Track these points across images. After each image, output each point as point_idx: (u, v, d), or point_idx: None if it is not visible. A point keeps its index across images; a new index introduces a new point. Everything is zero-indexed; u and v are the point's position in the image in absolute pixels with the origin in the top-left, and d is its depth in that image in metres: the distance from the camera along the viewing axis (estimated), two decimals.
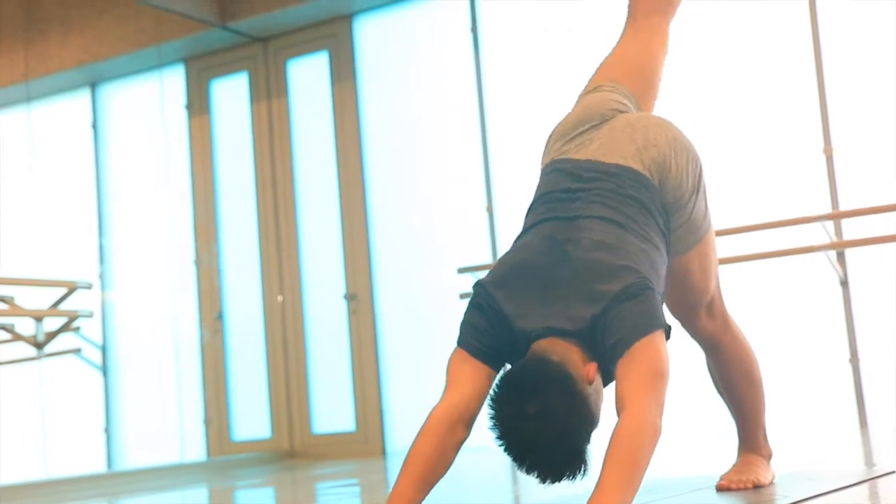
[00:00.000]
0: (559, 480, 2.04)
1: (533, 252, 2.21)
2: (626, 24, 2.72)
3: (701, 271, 2.52)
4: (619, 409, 2.01)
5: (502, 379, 2.07)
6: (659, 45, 2.68)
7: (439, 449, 2.11)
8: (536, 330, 2.10)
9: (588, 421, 2.04)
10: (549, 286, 2.13)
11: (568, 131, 2.48)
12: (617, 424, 1.98)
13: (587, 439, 2.04)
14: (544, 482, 2.05)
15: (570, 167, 2.37)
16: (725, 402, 2.73)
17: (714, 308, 2.61)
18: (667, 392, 2.05)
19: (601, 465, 1.94)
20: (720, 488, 2.59)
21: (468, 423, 2.15)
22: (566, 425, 1.99)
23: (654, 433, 1.96)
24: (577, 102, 2.60)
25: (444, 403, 2.15)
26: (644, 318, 2.06)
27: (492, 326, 2.15)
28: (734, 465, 2.68)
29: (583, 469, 2.02)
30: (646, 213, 2.29)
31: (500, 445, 2.04)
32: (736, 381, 2.65)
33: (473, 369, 2.15)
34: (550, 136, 2.52)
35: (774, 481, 2.64)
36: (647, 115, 2.52)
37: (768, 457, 2.72)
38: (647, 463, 1.94)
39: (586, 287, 2.11)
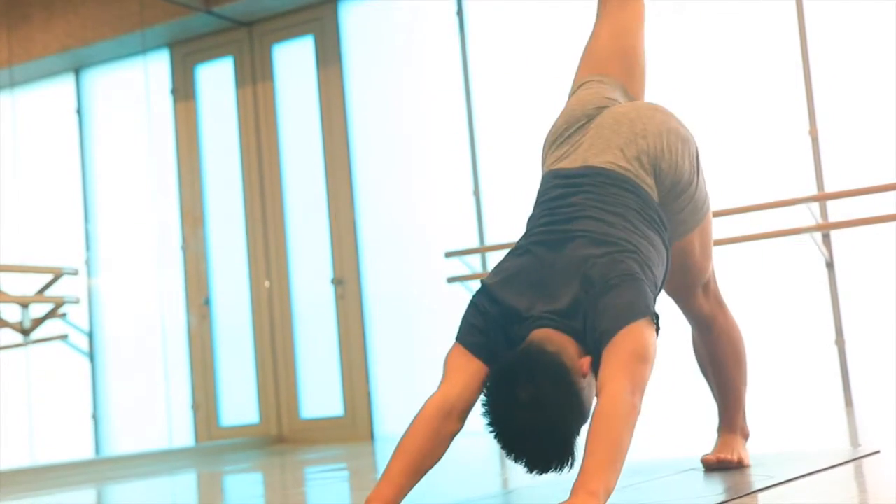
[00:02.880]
0: (546, 471, 2.06)
1: (530, 256, 2.24)
2: (598, 6, 2.74)
3: (702, 251, 2.57)
4: (598, 391, 2.02)
5: (498, 365, 2.09)
6: (632, 20, 2.71)
7: (432, 439, 2.13)
8: (534, 316, 2.13)
9: (579, 413, 2.06)
10: (546, 279, 2.17)
11: (558, 136, 2.50)
12: (596, 407, 2.00)
13: (576, 432, 2.05)
14: (531, 472, 2.06)
15: (563, 174, 2.39)
16: (710, 381, 2.76)
17: (709, 288, 2.66)
18: (649, 375, 2.06)
19: (583, 448, 1.95)
20: (706, 461, 2.63)
21: (462, 415, 2.16)
22: (558, 416, 2.01)
23: (632, 413, 1.97)
24: (566, 103, 2.61)
25: (439, 394, 2.17)
26: (629, 307, 2.07)
27: (489, 326, 2.19)
28: (716, 446, 2.71)
29: (570, 461, 2.04)
30: (637, 210, 2.30)
31: (491, 432, 2.05)
32: (724, 360, 2.69)
33: (469, 364, 2.17)
34: (544, 143, 2.54)
35: (761, 462, 2.66)
36: (635, 104, 2.52)
37: (746, 437, 2.76)
38: (629, 443, 1.95)
39: (576, 277, 2.14)
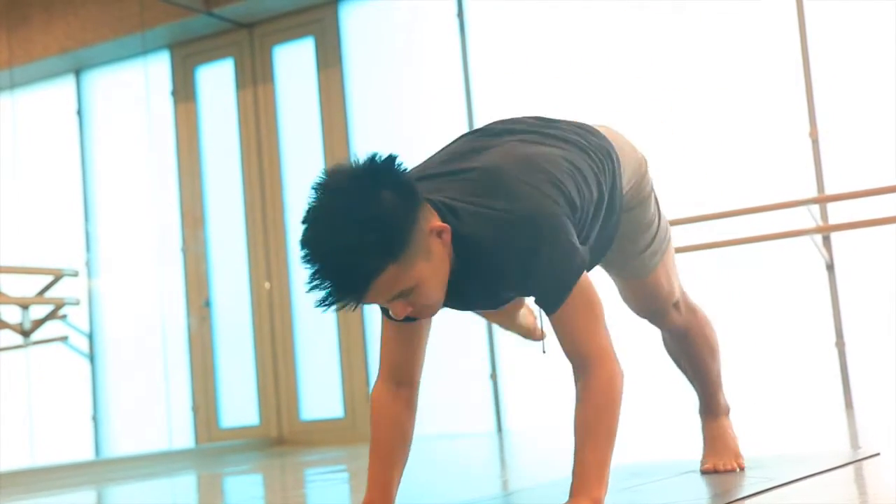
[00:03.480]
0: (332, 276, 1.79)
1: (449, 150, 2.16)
2: None
3: (667, 279, 2.55)
4: (586, 363, 1.93)
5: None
6: None
7: (394, 426, 2.09)
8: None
9: (385, 234, 1.79)
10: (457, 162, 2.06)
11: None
12: (586, 393, 1.91)
13: (363, 246, 1.77)
14: (317, 279, 1.79)
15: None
16: (687, 374, 2.77)
17: (680, 304, 2.63)
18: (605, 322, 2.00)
19: (578, 438, 1.92)
20: (706, 470, 2.62)
21: (409, 381, 2.10)
22: (345, 212, 1.78)
23: (621, 396, 1.93)
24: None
25: (379, 381, 2.11)
26: (563, 274, 1.93)
27: None
28: (706, 447, 2.70)
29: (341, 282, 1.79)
30: (590, 156, 2.16)
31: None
32: (702, 356, 2.69)
33: (398, 332, 2.08)
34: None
35: (761, 464, 2.65)
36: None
37: (728, 412, 2.76)
38: (618, 425, 1.93)
39: (489, 195, 1.96)
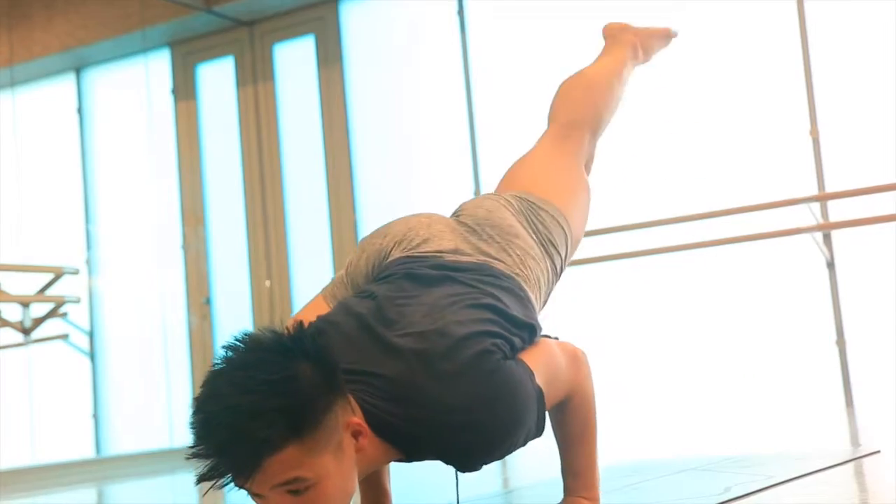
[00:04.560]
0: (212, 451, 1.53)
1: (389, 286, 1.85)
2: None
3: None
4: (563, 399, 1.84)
5: None
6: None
7: None
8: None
9: (294, 405, 1.51)
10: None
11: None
12: (570, 405, 1.86)
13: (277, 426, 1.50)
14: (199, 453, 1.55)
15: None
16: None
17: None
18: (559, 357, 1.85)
19: (562, 439, 1.90)
20: None
21: None
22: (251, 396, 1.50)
23: (591, 389, 1.89)
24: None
25: None
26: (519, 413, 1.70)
27: None
28: None
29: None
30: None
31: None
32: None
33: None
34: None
35: (761, 462, 2.65)
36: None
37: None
38: (597, 417, 1.90)
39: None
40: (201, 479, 1.52)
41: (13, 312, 6.28)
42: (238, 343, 1.57)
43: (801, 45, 5.35)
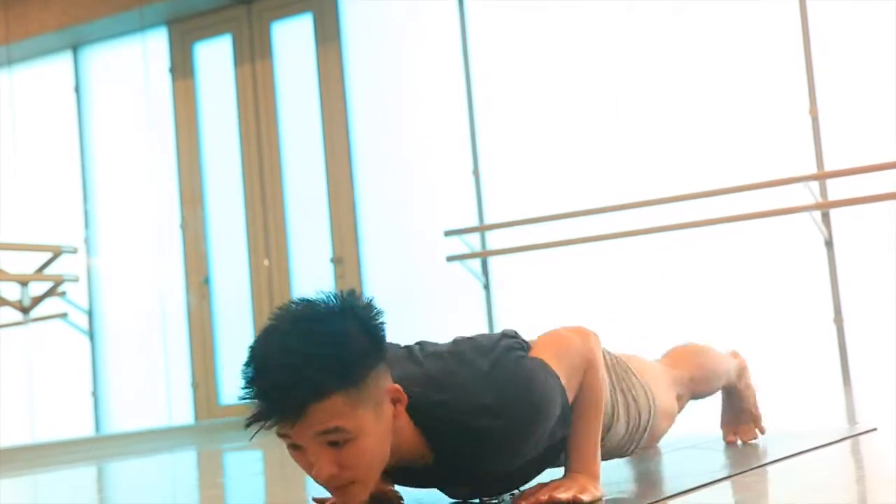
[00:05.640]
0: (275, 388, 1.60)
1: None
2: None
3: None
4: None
5: None
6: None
7: None
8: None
9: (341, 355, 1.61)
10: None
11: None
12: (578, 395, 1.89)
13: (331, 381, 1.58)
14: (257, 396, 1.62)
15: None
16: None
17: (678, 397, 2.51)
18: (574, 346, 1.89)
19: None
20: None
21: None
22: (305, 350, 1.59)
23: (599, 354, 1.92)
24: None
25: None
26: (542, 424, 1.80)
27: None
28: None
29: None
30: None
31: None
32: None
33: None
34: None
35: (759, 439, 2.66)
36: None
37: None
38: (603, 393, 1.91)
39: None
40: (250, 422, 1.61)
41: (12, 291, 6.29)
42: (293, 304, 1.68)
43: (800, 24, 5.33)
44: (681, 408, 2.56)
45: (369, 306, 1.70)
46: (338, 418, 1.59)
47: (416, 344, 1.96)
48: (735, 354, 2.73)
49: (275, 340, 1.63)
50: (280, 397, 1.58)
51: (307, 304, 1.67)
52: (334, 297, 1.68)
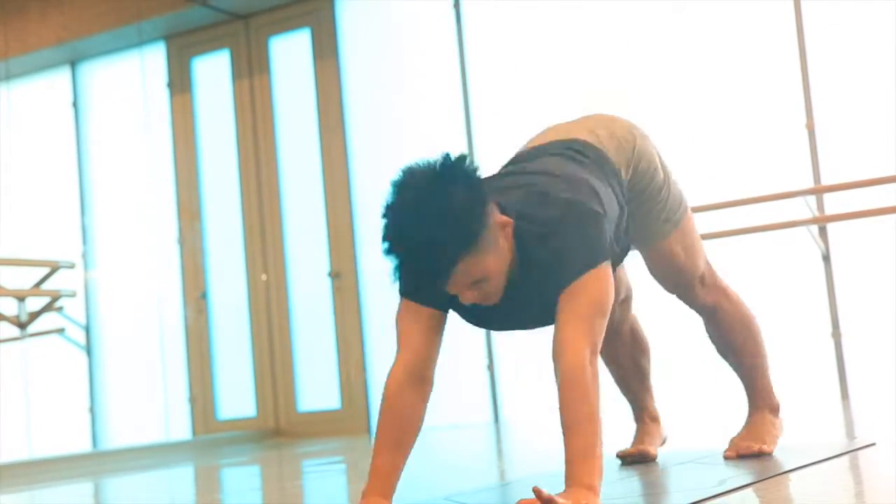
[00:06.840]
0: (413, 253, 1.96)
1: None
2: None
3: (686, 252, 2.64)
4: (557, 353, 1.98)
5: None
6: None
7: (409, 415, 2.08)
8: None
9: (460, 228, 1.93)
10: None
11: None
12: (559, 383, 1.95)
13: (446, 238, 1.92)
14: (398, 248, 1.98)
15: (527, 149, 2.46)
16: (730, 363, 2.81)
17: (706, 280, 2.72)
18: (605, 323, 2.04)
19: (562, 428, 1.93)
20: (727, 457, 2.65)
21: (427, 376, 2.11)
22: (442, 209, 1.93)
23: (594, 380, 1.96)
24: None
25: (398, 365, 2.10)
26: (589, 248, 2.05)
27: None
28: (743, 429, 2.75)
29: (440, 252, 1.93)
30: (599, 168, 2.32)
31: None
32: (738, 340, 2.74)
33: (419, 316, 2.11)
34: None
35: (756, 454, 2.65)
36: (604, 115, 2.61)
37: (775, 410, 2.81)
38: (599, 409, 1.94)
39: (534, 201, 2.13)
40: (397, 277, 2.03)
41: (9, 306, 6.28)
42: (402, 183, 2.00)
43: (797, 37, 5.35)
44: (701, 285, 2.73)
45: (462, 159, 2.00)
46: (471, 273, 1.97)
47: (503, 173, 2.29)
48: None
49: (406, 229, 1.95)
50: (427, 264, 1.95)
51: (419, 182, 1.96)
52: (436, 166, 1.97)
